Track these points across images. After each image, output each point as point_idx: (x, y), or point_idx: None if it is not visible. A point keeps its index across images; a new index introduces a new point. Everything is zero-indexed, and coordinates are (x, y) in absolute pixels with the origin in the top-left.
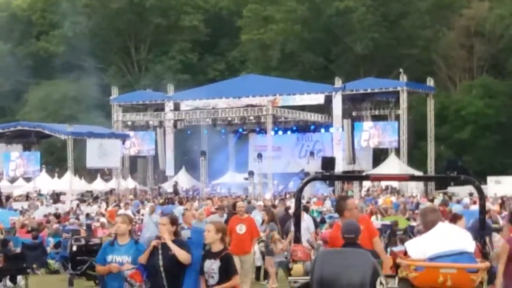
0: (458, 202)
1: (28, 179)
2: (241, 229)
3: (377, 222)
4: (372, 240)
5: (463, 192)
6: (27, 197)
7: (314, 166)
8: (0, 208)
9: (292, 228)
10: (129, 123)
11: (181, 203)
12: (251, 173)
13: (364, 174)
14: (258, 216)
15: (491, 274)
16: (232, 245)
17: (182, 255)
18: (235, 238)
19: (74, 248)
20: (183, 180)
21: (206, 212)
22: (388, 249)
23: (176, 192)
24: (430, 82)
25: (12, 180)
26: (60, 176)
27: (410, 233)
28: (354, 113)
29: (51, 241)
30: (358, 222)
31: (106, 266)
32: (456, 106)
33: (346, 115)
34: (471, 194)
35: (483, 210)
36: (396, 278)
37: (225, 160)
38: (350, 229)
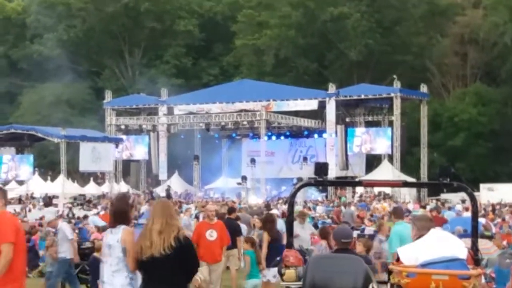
0: (450, 208)
1: (20, 182)
2: (211, 235)
3: (370, 228)
4: None
5: (455, 199)
6: (20, 200)
7: (307, 171)
8: None
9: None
10: (123, 127)
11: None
12: (244, 178)
13: (357, 180)
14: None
15: None
16: (200, 252)
17: None
18: (204, 245)
19: None
20: (176, 184)
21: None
22: None
23: (168, 196)
24: (424, 88)
25: (5, 183)
26: (52, 180)
27: None
28: (347, 119)
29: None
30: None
31: None
32: (450, 113)
33: (339, 121)
34: (463, 201)
35: (475, 217)
36: (388, 285)
37: (218, 164)
38: (345, 234)
